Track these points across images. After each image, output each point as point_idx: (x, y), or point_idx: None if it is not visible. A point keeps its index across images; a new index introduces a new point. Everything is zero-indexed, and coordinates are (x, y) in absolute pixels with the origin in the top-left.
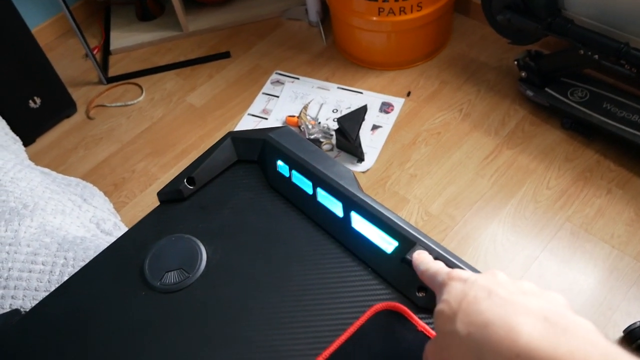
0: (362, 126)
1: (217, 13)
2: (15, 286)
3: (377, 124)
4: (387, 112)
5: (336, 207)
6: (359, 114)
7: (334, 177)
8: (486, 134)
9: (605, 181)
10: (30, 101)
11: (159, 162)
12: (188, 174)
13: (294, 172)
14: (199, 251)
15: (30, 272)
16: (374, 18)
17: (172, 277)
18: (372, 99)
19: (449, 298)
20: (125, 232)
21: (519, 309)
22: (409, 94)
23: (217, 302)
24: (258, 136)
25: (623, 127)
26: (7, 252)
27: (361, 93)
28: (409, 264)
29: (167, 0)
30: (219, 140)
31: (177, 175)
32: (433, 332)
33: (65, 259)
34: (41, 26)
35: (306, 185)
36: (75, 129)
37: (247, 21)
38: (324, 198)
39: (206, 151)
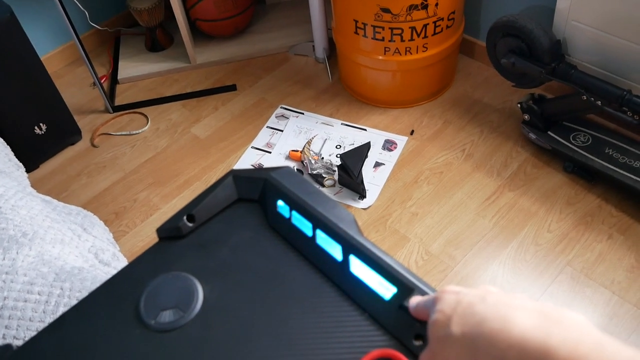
0: (365, 163)
1: (225, 46)
2: (9, 316)
3: (379, 161)
4: (390, 150)
5: (335, 250)
6: (362, 150)
7: (334, 219)
8: (488, 175)
9: (607, 226)
10: (36, 127)
11: (161, 192)
12: (188, 211)
13: (294, 212)
14: (196, 290)
15: (25, 301)
16: (380, 57)
17: (167, 316)
18: (375, 136)
19: (443, 307)
20: (122, 269)
21: (514, 305)
22: (412, 132)
23: (211, 343)
24: (259, 175)
25: (625, 172)
26: (4, 281)
27: (365, 130)
28: (407, 311)
29: (176, 32)
30: (220, 178)
31: (177, 212)
32: None
33: (62, 289)
34: (51, 53)
35: (306, 226)
36: (79, 156)
37: (255, 55)
38: (324, 240)
39: (207, 188)
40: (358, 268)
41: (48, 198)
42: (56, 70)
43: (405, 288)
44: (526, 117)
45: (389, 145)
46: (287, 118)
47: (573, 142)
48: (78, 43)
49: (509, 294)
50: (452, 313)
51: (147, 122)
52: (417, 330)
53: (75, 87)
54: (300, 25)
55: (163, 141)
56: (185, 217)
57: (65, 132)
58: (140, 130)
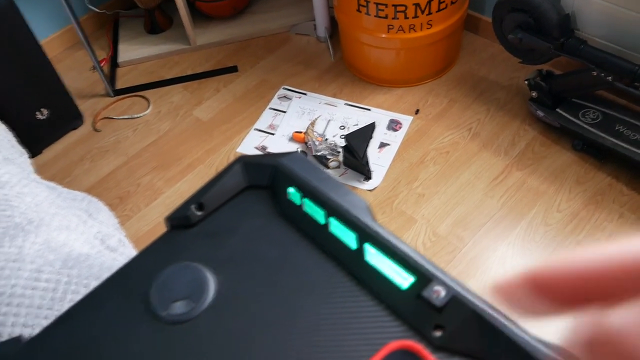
0: (370, 144)
1: (225, 27)
2: (18, 304)
3: (384, 141)
4: (395, 130)
5: (349, 239)
6: (367, 131)
7: (348, 206)
8: (495, 154)
9: (618, 205)
10: (38, 113)
11: (165, 176)
12: (197, 199)
13: (305, 200)
14: (207, 280)
15: (33, 289)
16: (383, 35)
17: (179, 308)
18: (380, 116)
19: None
20: (131, 259)
21: None
22: (417, 111)
23: (224, 334)
24: (269, 162)
25: (636, 150)
26: (11, 269)
27: (369, 110)
28: (426, 301)
29: (174, 13)
30: (228, 165)
31: (186, 201)
32: None
33: (69, 276)
34: (49, 38)
35: (318, 214)
36: (82, 141)
37: (255, 35)
38: (337, 228)
39: (216, 176)
40: (374, 257)
41: (52, 184)
42: (55, 54)
43: (424, 277)
44: (534, 94)
45: (393, 125)
46: (290, 99)
47: (582, 119)
48: (77, 26)
49: None
50: None
51: (149, 105)
52: (436, 320)
53: (74, 71)
54: (301, 4)
55: (165, 124)
56: (194, 206)
57: (67, 117)
58: (142, 114)
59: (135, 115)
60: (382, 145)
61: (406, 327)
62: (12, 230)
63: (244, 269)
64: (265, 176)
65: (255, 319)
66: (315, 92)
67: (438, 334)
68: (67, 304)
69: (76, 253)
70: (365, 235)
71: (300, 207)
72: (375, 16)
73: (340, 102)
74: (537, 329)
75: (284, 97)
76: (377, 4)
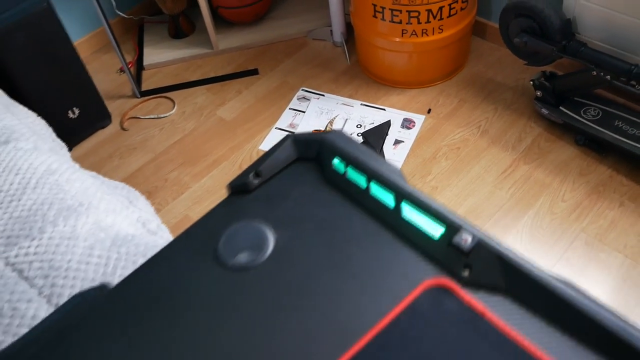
0: (385, 140)
1: (245, 32)
2: (74, 277)
3: (399, 139)
4: (408, 128)
5: (388, 199)
6: (383, 128)
7: (385, 172)
8: (503, 149)
9: (618, 195)
10: (70, 112)
11: (191, 171)
12: (255, 168)
13: (349, 168)
14: (267, 235)
15: (87, 264)
16: (397, 39)
17: (243, 257)
18: (394, 116)
19: None
20: (198, 220)
21: None
22: (429, 111)
23: (284, 279)
24: (316, 138)
25: (634, 143)
26: (66, 246)
27: (384, 110)
28: (456, 246)
29: (197, 19)
30: (280, 141)
31: (245, 170)
32: (479, 305)
33: (119, 253)
34: (78, 42)
35: (360, 179)
36: (110, 139)
37: (275, 40)
38: (377, 191)
39: (269, 150)
40: (409, 213)
41: (94, 173)
42: (83, 57)
43: (453, 227)
44: (538, 93)
45: (407, 124)
46: (309, 100)
47: (584, 116)
48: (108, 29)
49: None
50: None
51: (174, 105)
52: (464, 262)
53: (102, 73)
54: (317, 11)
55: (190, 124)
56: (252, 174)
57: (96, 116)
58: (167, 114)
59: (161, 115)
60: (397, 142)
61: (439, 268)
62: (66, 212)
63: (297, 226)
64: (312, 150)
65: (309, 267)
66: (333, 94)
67: (466, 273)
68: (117, 278)
69: (124, 233)
70: (402, 195)
71: (344, 174)
72: (390, 21)
73: (357, 103)
74: (552, 267)
75: (303, 98)
76: (392, 10)
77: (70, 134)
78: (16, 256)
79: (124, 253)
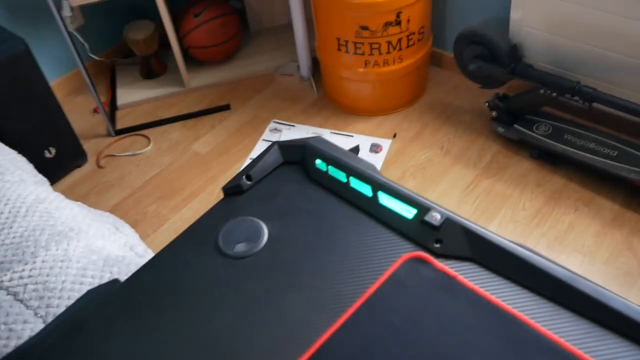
0: None
1: (216, 71)
2: (68, 297)
3: None
4: (376, 152)
5: (366, 190)
6: (352, 153)
7: (362, 167)
8: (466, 166)
9: (572, 200)
10: (46, 151)
11: (169, 204)
12: (246, 172)
13: (330, 167)
14: (261, 228)
15: (81, 284)
16: (361, 70)
17: (241, 247)
18: (362, 141)
19: None
20: (198, 218)
21: None
22: (394, 135)
23: (279, 264)
24: (299, 143)
25: (583, 153)
26: (60, 267)
27: (352, 136)
28: (428, 224)
29: (169, 59)
30: (267, 148)
31: (236, 175)
32: (450, 271)
33: (111, 272)
34: (53, 83)
35: (341, 175)
36: (87, 177)
37: (244, 77)
38: (356, 184)
39: (257, 156)
40: (385, 200)
41: (79, 203)
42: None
43: (423, 208)
44: (494, 114)
45: (375, 148)
46: (280, 130)
47: (536, 132)
48: (83, 70)
49: None
50: None
51: (149, 142)
52: (435, 236)
53: (76, 114)
54: (284, 48)
55: (166, 159)
56: (244, 177)
57: (72, 156)
58: (143, 150)
59: (137, 152)
60: None
61: (414, 244)
62: (57, 237)
63: (287, 218)
64: (296, 153)
65: (301, 252)
66: (303, 124)
67: (438, 245)
68: None
69: (114, 255)
70: (378, 185)
71: (326, 172)
72: (353, 53)
73: (326, 131)
74: (512, 235)
75: (275, 129)
76: (355, 42)
77: (47, 173)
78: (10, 280)
79: (116, 272)
